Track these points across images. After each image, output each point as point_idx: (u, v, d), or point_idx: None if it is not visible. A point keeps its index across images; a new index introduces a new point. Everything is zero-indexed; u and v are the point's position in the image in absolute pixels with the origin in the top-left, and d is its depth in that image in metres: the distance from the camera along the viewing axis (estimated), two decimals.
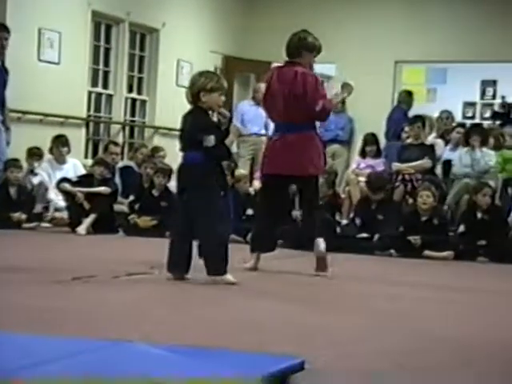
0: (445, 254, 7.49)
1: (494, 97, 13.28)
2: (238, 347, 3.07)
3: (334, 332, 3.60)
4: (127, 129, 11.28)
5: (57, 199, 9.02)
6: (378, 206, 8.18)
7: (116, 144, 10.13)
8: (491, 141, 9.20)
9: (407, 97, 10.99)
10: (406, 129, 9.46)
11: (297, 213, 7.56)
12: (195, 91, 4.93)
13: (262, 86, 10.90)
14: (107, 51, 10.74)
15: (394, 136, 10.38)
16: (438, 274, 5.60)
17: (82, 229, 8.44)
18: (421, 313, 4.32)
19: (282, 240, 7.31)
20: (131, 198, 9.01)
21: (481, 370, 2.98)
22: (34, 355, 2.63)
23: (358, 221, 8.17)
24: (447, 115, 10.29)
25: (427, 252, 7.55)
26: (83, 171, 9.32)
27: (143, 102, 11.30)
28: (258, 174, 8.26)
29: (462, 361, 3.10)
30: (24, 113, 9.11)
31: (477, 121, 12.30)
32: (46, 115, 9.50)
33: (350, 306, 4.51)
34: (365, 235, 7.92)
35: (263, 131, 10.20)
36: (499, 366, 3.08)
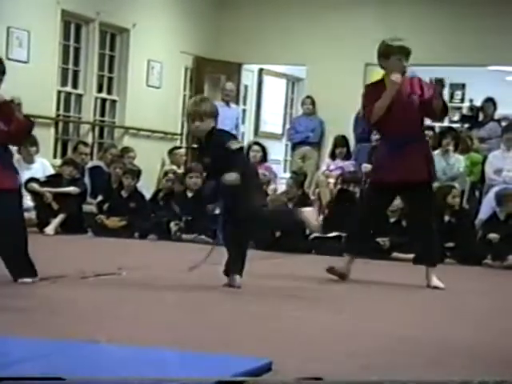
0: (413, 255, 7.53)
1: (462, 100, 13.41)
2: (205, 348, 3.06)
3: (301, 333, 3.60)
4: (97, 129, 11.21)
5: (25, 199, 8.93)
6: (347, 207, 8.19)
7: (85, 144, 10.07)
8: (460, 144, 9.29)
9: None
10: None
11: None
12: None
13: (230, 85, 11.01)
14: (77, 50, 10.66)
15: (364, 138, 10.42)
16: (404, 275, 5.64)
17: (50, 229, 8.38)
18: (386, 313, 4.34)
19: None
20: (100, 198, 8.97)
21: (447, 368, 2.99)
22: (1, 356, 2.64)
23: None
24: None
25: (395, 254, 7.60)
26: (52, 171, 9.25)
27: (113, 102, 11.24)
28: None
29: (428, 360, 3.11)
30: None
31: (445, 124, 12.40)
32: None
33: (316, 306, 4.52)
34: (334, 234, 7.93)
35: (234, 132, 10.21)
36: (465, 363, 3.10)
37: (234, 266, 4.86)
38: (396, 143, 5.47)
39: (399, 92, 5.44)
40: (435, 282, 5.48)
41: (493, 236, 7.68)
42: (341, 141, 9.98)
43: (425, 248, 5.64)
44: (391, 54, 5.48)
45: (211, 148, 4.84)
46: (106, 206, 8.75)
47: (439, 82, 5.71)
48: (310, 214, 4.88)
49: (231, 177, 4.67)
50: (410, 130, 5.49)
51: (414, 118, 5.48)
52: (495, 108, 10.62)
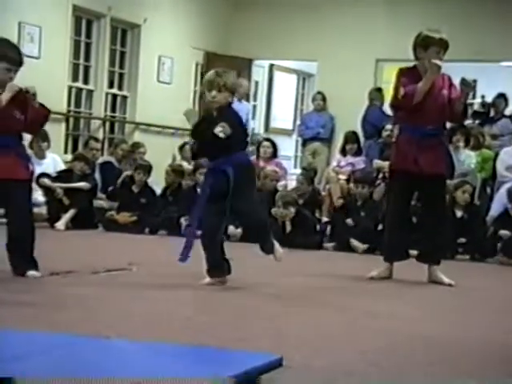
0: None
1: (474, 96, 13.34)
2: (216, 344, 3.06)
3: (311, 330, 3.59)
4: (107, 124, 11.22)
5: (36, 194, 8.96)
6: (361, 203, 8.17)
7: (96, 140, 10.08)
8: (471, 140, 9.24)
9: (377, 93, 11.04)
10: (388, 126, 9.47)
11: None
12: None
13: (245, 82, 10.99)
14: (88, 46, 10.67)
15: (373, 135, 10.38)
16: (416, 272, 5.61)
17: (60, 224, 8.39)
18: (397, 311, 4.31)
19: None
20: (111, 188, 8.99)
21: (456, 367, 2.97)
22: (9, 350, 2.64)
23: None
24: None
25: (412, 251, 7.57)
26: (63, 166, 9.26)
27: (124, 98, 11.24)
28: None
29: (436, 359, 3.09)
30: None
31: None
32: None
33: (326, 303, 4.50)
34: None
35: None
36: (476, 363, 3.08)
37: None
38: (422, 134, 5.41)
39: (432, 83, 5.37)
40: (445, 279, 5.45)
41: (503, 233, 7.64)
42: (351, 137, 9.94)
43: (431, 245, 5.57)
44: (430, 45, 5.37)
45: (223, 120, 4.58)
46: (115, 205, 8.75)
47: (473, 82, 5.58)
48: (279, 254, 4.79)
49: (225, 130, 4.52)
50: (437, 122, 5.46)
51: (442, 112, 5.43)
52: (507, 104, 10.57)
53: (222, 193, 4.67)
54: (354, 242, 7.72)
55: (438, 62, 5.32)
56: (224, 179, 4.65)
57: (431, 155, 5.43)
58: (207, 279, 4.79)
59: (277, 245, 4.79)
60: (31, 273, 4.66)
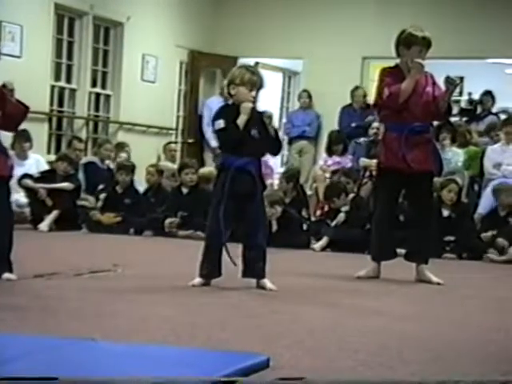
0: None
1: (460, 93, 13.35)
2: (201, 345, 3.03)
3: (299, 329, 3.55)
4: (91, 124, 11.12)
5: (18, 196, 8.84)
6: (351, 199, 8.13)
7: (80, 140, 10.00)
8: (458, 138, 9.22)
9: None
10: (375, 124, 9.43)
11: None
12: (226, 84, 4.80)
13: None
14: (70, 45, 10.57)
15: (357, 133, 10.29)
16: (404, 271, 5.57)
17: (44, 225, 8.30)
18: (386, 309, 4.29)
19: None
20: (100, 186, 8.88)
21: (447, 366, 2.94)
22: None
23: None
24: None
25: (400, 250, 7.51)
26: (46, 167, 9.17)
27: (107, 97, 11.14)
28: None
29: (426, 358, 3.06)
30: None
31: None
32: None
33: (314, 302, 4.47)
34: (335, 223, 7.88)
35: None
36: (467, 361, 3.04)
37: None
38: (408, 131, 5.38)
39: (417, 81, 5.34)
40: (433, 278, 5.42)
41: (491, 233, 7.61)
42: (336, 137, 9.90)
43: (419, 244, 5.53)
44: (413, 44, 5.34)
45: (256, 123, 4.72)
46: (102, 196, 8.65)
47: (459, 79, 5.53)
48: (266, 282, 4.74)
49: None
50: (422, 120, 5.42)
51: (427, 110, 5.39)
52: (494, 101, 10.56)
53: (243, 193, 4.66)
54: None
55: (420, 61, 5.29)
56: (249, 179, 4.67)
57: (419, 152, 5.41)
58: (197, 279, 4.71)
59: (268, 283, 4.72)
60: (6, 275, 4.56)
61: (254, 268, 4.73)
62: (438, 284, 5.37)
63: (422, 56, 5.34)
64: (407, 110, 5.34)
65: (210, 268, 4.72)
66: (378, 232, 5.61)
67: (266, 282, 4.73)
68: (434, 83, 5.46)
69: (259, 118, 4.73)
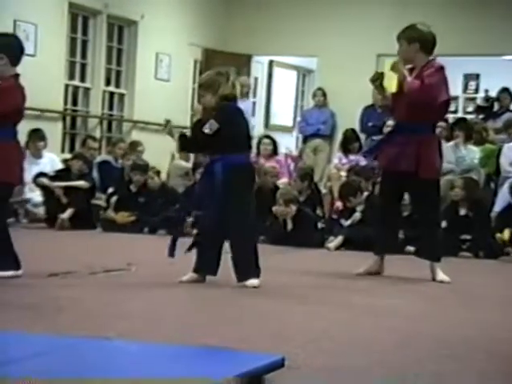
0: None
1: (476, 91, 13.28)
2: (217, 344, 3.03)
3: (313, 329, 3.55)
4: (105, 123, 11.13)
5: (34, 195, 8.86)
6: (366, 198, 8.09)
7: (94, 139, 10.01)
8: (474, 135, 9.15)
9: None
10: (389, 122, 9.36)
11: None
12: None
13: (245, 79, 10.89)
14: (84, 43, 10.59)
15: (374, 132, 10.26)
16: (418, 269, 5.56)
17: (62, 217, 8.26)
18: (400, 308, 4.27)
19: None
20: (110, 190, 8.89)
21: (461, 365, 2.93)
22: (9, 352, 2.63)
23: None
24: None
25: (409, 247, 7.47)
26: (60, 166, 9.18)
27: (121, 96, 11.15)
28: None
29: (441, 356, 3.04)
30: None
31: (459, 115, 12.26)
32: None
33: (328, 301, 4.46)
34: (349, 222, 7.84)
35: None
36: (482, 360, 3.02)
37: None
38: (404, 130, 5.38)
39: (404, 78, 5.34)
40: (441, 276, 5.41)
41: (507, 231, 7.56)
42: (351, 135, 9.86)
43: (427, 242, 5.55)
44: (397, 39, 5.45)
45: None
46: (114, 199, 8.66)
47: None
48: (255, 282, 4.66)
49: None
50: (409, 119, 5.35)
51: (412, 107, 5.32)
52: (511, 98, 10.47)
53: (211, 193, 4.65)
54: None
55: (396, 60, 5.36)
56: (212, 180, 4.66)
57: (419, 153, 5.34)
58: (190, 275, 4.70)
59: (256, 281, 4.64)
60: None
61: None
62: (441, 282, 5.35)
63: (402, 50, 5.40)
64: (396, 108, 5.41)
65: (205, 264, 4.73)
66: (379, 225, 5.67)
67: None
68: (427, 76, 5.30)
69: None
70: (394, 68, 5.37)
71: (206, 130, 4.59)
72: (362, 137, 10.26)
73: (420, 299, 4.73)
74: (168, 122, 4.88)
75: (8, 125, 4.64)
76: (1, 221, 4.65)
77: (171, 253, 4.72)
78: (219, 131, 4.59)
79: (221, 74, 4.79)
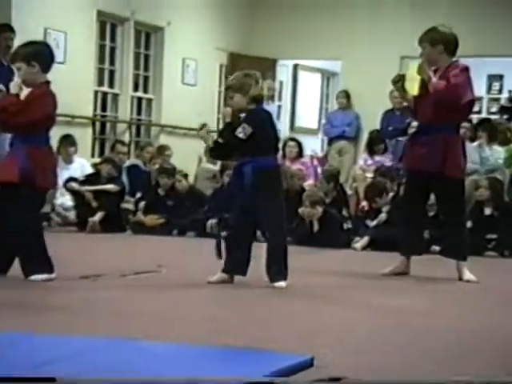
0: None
1: (500, 91, 13.23)
2: (246, 345, 3.05)
3: (340, 329, 3.58)
4: (133, 127, 11.27)
5: (64, 199, 9.02)
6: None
7: (123, 143, 10.13)
8: (499, 135, 9.15)
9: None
10: (414, 123, 9.38)
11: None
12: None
13: (271, 83, 10.96)
14: (113, 50, 10.73)
15: (397, 134, 10.27)
16: (444, 269, 5.57)
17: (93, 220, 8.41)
18: (425, 309, 4.28)
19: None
20: (138, 195, 9.02)
21: (490, 363, 2.93)
22: (44, 354, 2.66)
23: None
24: None
25: (435, 247, 7.52)
26: (90, 171, 9.30)
27: (149, 101, 11.29)
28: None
29: (471, 356, 3.06)
30: None
31: (483, 115, 12.23)
32: None
33: (355, 301, 4.49)
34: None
35: None
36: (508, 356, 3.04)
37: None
38: (429, 131, 5.44)
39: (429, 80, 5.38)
40: (467, 275, 5.41)
41: None
42: (377, 137, 9.88)
43: (452, 242, 5.55)
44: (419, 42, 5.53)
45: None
46: (142, 204, 8.79)
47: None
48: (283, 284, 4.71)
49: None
50: (433, 120, 5.41)
51: (436, 108, 5.37)
52: None
53: (240, 195, 4.72)
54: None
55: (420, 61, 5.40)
56: (241, 182, 4.71)
57: (444, 153, 5.38)
58: (219, 275, 4.78)
59: (284, 282, 4.69)
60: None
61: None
62: (468, 281, 5.35)
63: (425, 52, 5.45)
64: (419, 109, 5.45)
65: (235, 264, 4.80)
66: (404, 227, 5.70)
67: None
68: (452, 76, 5.34)
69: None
70: (420, 70, 5.41)
71: (241, 135, 4.63)
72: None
73: (449, 299, 4.72)
74: (204, 125, 4.91)
75: (41, 131, 4.76)
76: (35, 225, 4.78)
77: (219, 254, 4.77)
78: (252, 135, 4.65)
79: (249, 76, 4.84)
